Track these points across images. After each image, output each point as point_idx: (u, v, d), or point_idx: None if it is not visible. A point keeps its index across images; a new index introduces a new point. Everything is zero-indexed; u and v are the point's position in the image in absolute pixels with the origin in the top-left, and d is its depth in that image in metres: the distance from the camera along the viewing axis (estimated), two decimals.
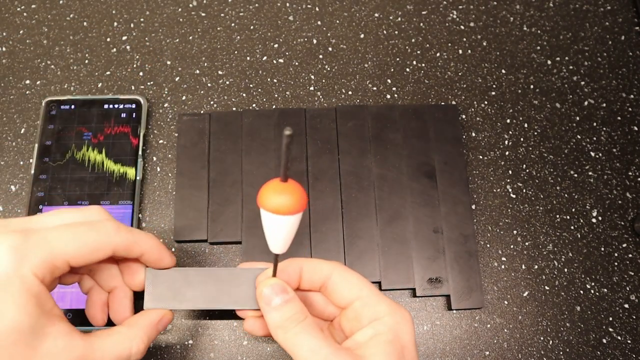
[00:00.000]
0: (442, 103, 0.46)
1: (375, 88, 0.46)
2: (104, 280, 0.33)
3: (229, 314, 0.39)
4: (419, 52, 0.48)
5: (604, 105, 0.47)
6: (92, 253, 0.28)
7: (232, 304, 0.33)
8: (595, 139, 0.46)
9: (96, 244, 0.28)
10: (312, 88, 0.46)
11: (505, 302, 0.40)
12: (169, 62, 0.46)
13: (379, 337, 0.28)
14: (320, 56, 0.47)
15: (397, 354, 0.28)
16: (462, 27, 0.49)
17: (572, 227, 0.43)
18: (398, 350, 0.28)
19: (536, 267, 0.42)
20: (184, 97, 0.45)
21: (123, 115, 0.43)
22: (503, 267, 0.41)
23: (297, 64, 0.47)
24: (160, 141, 0.44)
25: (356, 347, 0.28)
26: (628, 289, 0.41)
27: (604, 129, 0.46)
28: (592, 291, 0.41)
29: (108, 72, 0.46)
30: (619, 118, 0.46)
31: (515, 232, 0.42)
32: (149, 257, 0.31)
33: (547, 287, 0.41)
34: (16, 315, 0.24)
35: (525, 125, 0.46)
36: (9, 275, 0.25)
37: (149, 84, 0.45)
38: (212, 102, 0.45)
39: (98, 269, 0.32)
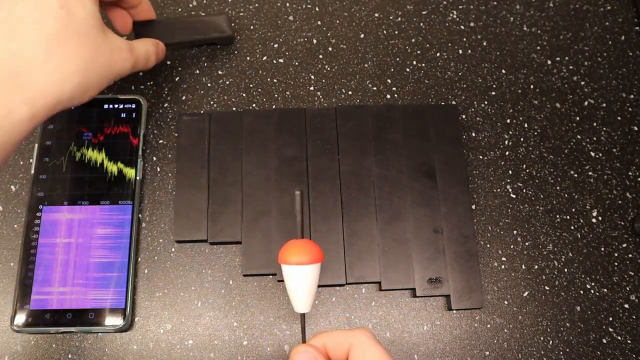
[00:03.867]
0: (442, 103, 0.46)
1: (375, 88, 0.46)
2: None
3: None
4: (419, 52, 0.48)
5: (604, 105, 0.47)
6: None
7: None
8: (595, 139, 0.46)
9: None
10: (312, 88, 0.46)
11: (505, 302, 0.40)
12: (168, 62, 0.46)
13: None
14: (320, 56, 0.47)
15: None
16: (462, 27, 0.49)
17: (572, 227, 0.43)
18: None
19: (536, 267, 0.42)
20: (184, 97, 0.45)
21: (123, 115, 0.43)
22: (503, 267, 0.41)
23: (297, 64, 0.47)
24: (160, 141, 0.44)
25: None
26: (628, 289, 0.41)
27: (604, 129, 0.46)
28: (592, 291, 0.41)
29: None
30: (619, 118, 0.46)
31: (515, 232, 0.42)
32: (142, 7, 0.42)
33: (547, 287, 0.41)
34: (93, 6, 0.33)
35: (525, 125, 0.46)
36: None
37: (149, 84, 0.45)
38: (212, 102, 0.45)
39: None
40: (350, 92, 0.46)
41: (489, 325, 0.40)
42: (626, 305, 0.41)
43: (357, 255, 0.40)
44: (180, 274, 0.40)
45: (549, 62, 0.48)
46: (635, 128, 0.46)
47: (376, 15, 0.49)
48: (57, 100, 0.31)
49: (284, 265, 0.31)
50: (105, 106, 0.43)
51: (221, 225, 0.40)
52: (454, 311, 0.40)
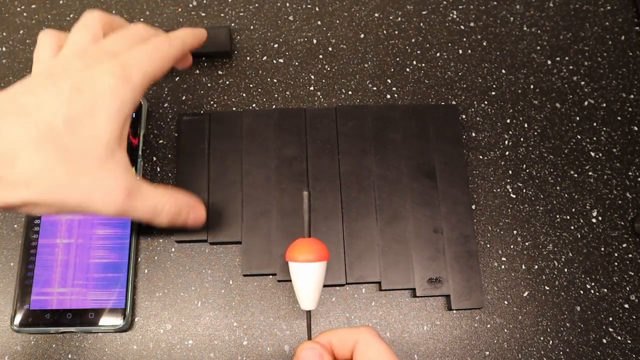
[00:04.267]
0: (442, 103, 0.46)
1: (375, 88, 0.46)
2: None
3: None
4: (419, 52, 0.48)
5: (604, 105, 0.47)
6: (165, 67, 0.33)
7: None
8: (595, 139, 0.46)
9: (167, 59, 0.33)
10: (312, 88, 0.46)
11: (505, 302, 0.40)
12: None
13: None
14: (320, 56, 0.47)
15: None
16: (462, 27, 0.49)
17: (572, 227, 0.43)
18: None
19: (536, 267, 0.42)
20: (184, 97, 0.45)
21: None
22: (503, 267, 0.41)
23: (297, 64, 0.47)
24: (160, 141, 0.44)
25: None
26: (628, 289, 0.41)
27: (604, 129, 0.46)
28: (592, 291, 0.41)
29: None
30: (619, 118, 0.46)
31: (515, 232, 0.42)
32: (191, 44, 0.37)
33: (547, 287, 0.41)
34: (108, 126, 0.29)
35: (525, 125, 0.46)
36: (113, 91, 0.29)
37: None
38: (212, 102, 0.45)
39: None
40: (350, 92, 0.46)
41: (489, 325, 0.40)
42: (626, 305, 0.41)
43: (357, 255, 0.40)
44: (180, 274, 0.40)
45: (549, 62, 0.48)
46: (635, 128, 0.46)
47: (376, 15, 0.49)
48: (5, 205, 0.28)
49: (292, 263, 0.32)
50: None
51: (221, 225, 0.40)
52: (454, 311, 0.40)
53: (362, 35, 0.48)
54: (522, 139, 0.45)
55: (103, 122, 0.29)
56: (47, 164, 0.27)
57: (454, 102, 0.46)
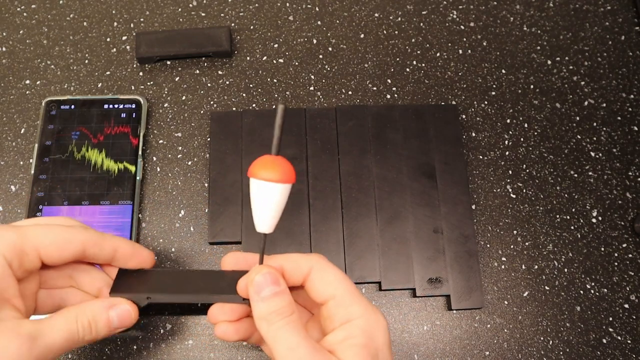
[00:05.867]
0: (442, 103, 0.46)
1: (375, 88, 0.46)
2: (87, 285, 0.33)
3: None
4: (419, 52, 0.48)
5: (604, 105, 0.47)
6: (61, 245, 0.29)
7: (208, 298, 0.32)
8: (595, 139, 0.46)
9: (66, 237, 0.29)
10: (312, 88, 0.46)
11: (505, 302, 0.40)
12: (169, 62, 0.46)
13: (351, 340, 0.27)
14: (320, 56, 0.47)
15: (370, 358, 0.27)
16: (462, 27, 0.49)
17: (572, 227, 0.43)
18: (372, 354, 0.27)
19: (536, 267, 0.42)
20: (184, 97, 0.45)
21: (123, 115, 0.43)
22: (503, 267, 0.41)
23: (297, 64, 0.47)
24: (160, 141, 0.44)
25: (330, 347, 0.28)
26: (628, 289, 0.41)
27: (604, 129, 0.46)
28: (592, 291, 0.41)
29: (108, 72, 0.46)
30: (619, 118, 0.46)
31: (515, 232, 0.42)
32: (122, 253, 0.32)
33: (547, 287, 0.41)
34: None
35: (525, 125, 0.46)
36: None
37: (149, 84, 0.45)
38: (212, 102, 0.45)
39: (78, 272, 0.33)
40: (350, 92, 0.46)
41: (489, 325, 0.40)
42: (626, 305, 0.41)
43: (357, 255, 0.40)
44: None
45: (549, 62, 0.48)
46: (635, 128, 0.46)
47: (376, 15, 0.49)
48: None
49: (253, 179, 0.28)
50: (105, 106, 0.43)
51: (221, 225, 0.40)
52: (454, 311, 0.40)
53: (362, 35, 0.48)
54: (522, 139, 0.45)
55: None
56: None
57: (454, 102, 0.46)
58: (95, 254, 0.31)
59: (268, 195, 0.28)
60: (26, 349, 0.26)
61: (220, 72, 0.46)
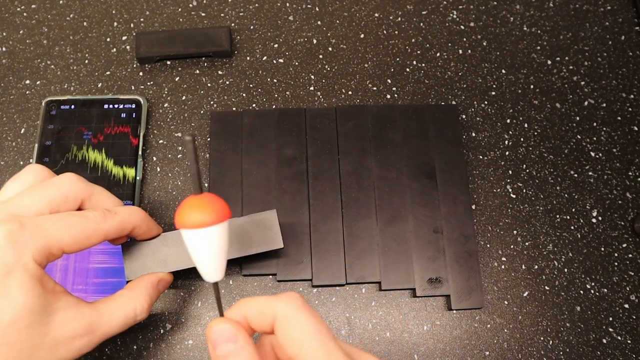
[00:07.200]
0: (442, 103, 0.46)
1: (375, 88, 0.46)
2: None
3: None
4: (419, 52, 0.48)
5: (604, 105, 0.47)
6: (85, 241, 0.30)
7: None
8: (595, 139, 0.46)
9: (88, 232, 0.30)
10: (312, 88, 0.46)
11: (505, 302, 0.40)
12: (169, 62, 0.46)
13: None
14: (320, 56, 0.47)
15: None
16: (462, 27, 0.49)
17: (572, 227, 0.43)
18: None
19: (536, 267, 0.42)
20: (184, 97, 0.45)
21: (123, 115, 0.43)
22: (503, 267, 0.41)
23: (297, 64, 0.47)
24: (160, 141, 0.44)
25: None
26: (628, 289, 0.41)
27: (604, 129, 0.46)
28: (592, 291, 0.41)
29: (108, 72, 0.46)
30: (619, 118, 0.46)
31: (515, 232, 0.42)
32: (138, 231, 0.33)
33: (547, 287, 0.41)
34: (25, 298, 0.26)
35: (525, 125, 0.46)
36: (11, 264, 0.27)
37: (149, 84, 0.45)
38: (212, 102, 0.45)
39: None
40: (350, 92, 0.46)
41: (489, 325, 0.40)
42: (626, 305, 0.41)
43: (357, 255, 0.40)
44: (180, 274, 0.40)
45: (549, 62, 0.48)
46: (635, 128, 0.46)
47: (376, 15, 0.49)
48: None
49: (183, 230, 0.24)
50: (105, 106, 0.43)
51: None
52: (454, 311, 0.40)
53: (362, 35, 0.48)
54: (522, 139, 0.45)
55: (18, 293, 0.26)
56: None
57: (454, 102, 0.46)
58: (114, 237, 0.33)
59: (206, 242, 0.24)
60: (86, 340, 0.29)
61: (220, 72, 0.46)
